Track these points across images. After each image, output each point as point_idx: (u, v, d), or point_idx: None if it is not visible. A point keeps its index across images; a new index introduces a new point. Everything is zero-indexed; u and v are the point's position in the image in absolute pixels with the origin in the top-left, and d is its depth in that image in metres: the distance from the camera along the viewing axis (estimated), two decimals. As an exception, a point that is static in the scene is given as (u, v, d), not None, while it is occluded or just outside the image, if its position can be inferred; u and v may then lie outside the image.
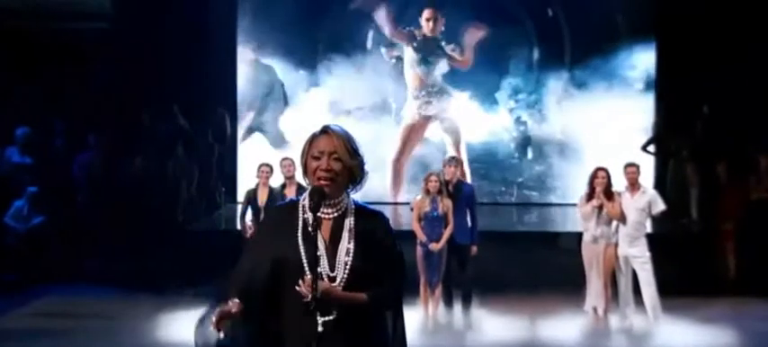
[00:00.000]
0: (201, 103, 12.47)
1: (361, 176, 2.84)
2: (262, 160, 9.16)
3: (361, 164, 2.82)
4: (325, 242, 2.76)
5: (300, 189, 7.81)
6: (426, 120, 12.48)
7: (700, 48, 11.46)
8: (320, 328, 2.71)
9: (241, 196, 10.02)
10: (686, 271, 9.73)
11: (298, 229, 2.78)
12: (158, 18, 11.58)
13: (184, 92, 11.99)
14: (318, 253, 2.73)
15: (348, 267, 2.74)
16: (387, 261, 2.84)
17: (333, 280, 2.73)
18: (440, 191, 8.19)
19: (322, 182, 2.75)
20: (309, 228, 2.74)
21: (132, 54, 11.42)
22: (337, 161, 2.76)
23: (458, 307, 8.60)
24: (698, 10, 11.50)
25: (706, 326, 8.25)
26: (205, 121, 12.69)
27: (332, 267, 2.74)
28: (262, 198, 8.62)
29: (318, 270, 2.71)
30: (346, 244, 2.76)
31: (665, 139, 12.28)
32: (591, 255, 8.34)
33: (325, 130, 2.82)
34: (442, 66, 12.42)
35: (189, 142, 12.33)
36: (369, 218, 2.85)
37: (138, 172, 11.83)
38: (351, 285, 2.74)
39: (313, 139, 2.82)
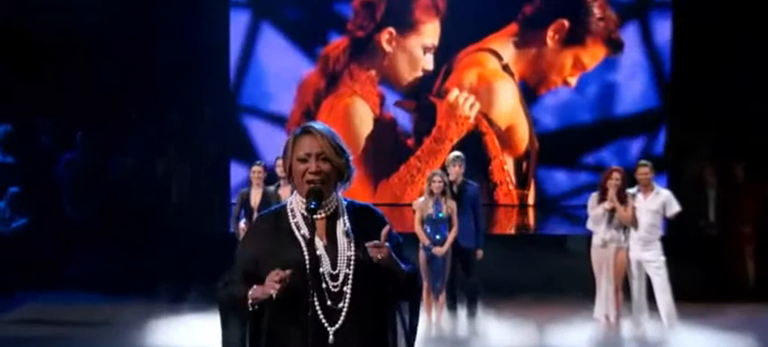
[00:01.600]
0: (194, 99, 12.38)
1: (349, 173, 2.86)
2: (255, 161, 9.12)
3: (348, 161, 2.85)
4: (322, 242, 2.78)
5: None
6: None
7: (718, 40, 11.38)
8: (331, 338, 2.73)
9: (234, 197, 9.97)
10: (703, 275, 9.70)
11: (292, 233, 2.79)
12: (148, 9, 11.51)
13: (176, 86, 11.90)
14: (318, 253, 2.75)
15: (352, 261, 2.75)
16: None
17: (335, 277, 2.74)
18: (444, 192, 8.12)
19: (313, 186, 2.77)
20: (303, 231, 2.77)
21: (121, 47, 11.33)
22: (326, 161, 2.79)
23: (462, 314, 8.54)
24: (716, 4, 11.44)
25: (724, 334, 8.19)
26: (197, 118, 12.61)
27: (334, 265, 2.76)
28: (255, 199, 8.57)
29: (320, 270, 2.74)
30: (344, 240, 2.78)
31: (680, 137, 12.22)
32: (601, 260, 8.26)
33: (309, 130, 2.83)
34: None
35: (181, 140, 12.27)
36: (361, 213, 2.88)
37: (127, 171, 11.78)
38: (356, 280, 2.75)
39: (296, 140, 2.83)
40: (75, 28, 11.08)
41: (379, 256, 2.72)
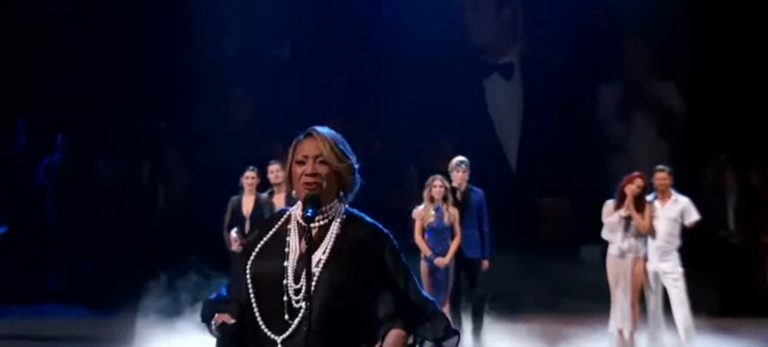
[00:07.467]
0: (182, 99, 12.40)
1: (353, 181, 2.87)
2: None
3: (352, 167, 2.86)
4: (300, 253, 2.77)
5: (290, 197, 7.81)
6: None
7: (737, 44, 11.40)
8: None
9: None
10: (723, 288, 9.70)
11: (283, 242, 2.82)
12: (135, 8, 11.52)
13: (163, 86, 11.93)
14: (284, 264, 2.76)
15: (315, 278, 2.73)
16: (386, 280, 2.81)
17: (297, 292, 2.74)
18: (445, 199, 8.14)
19: (308, 188, 2.79)
20: (289, 239, 2.80)
21: (105, 42, 11.33)
22: (323, 164, 2.81)
23: (467, 329, 8.56)
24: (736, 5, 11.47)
25: (745, 351, 8.24)
26: (186, 119, 12.62)
27: (297, 279, 2.75)
28: (247, 207, 8.64)
29: (284, 282, 2.74)
30: (320, 254, 2.77)
31: (699, 142, 12.22)
32: (617, 270, 8.22)
33: (310, 133, 2.86)
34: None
35: (168, 144, 12.30)
36: (360, 228, 2.86)
37: (111, 177, 11.81)
38: (319, 296, 2.72)
39: (297, 144, 2.87)
40: (53, 19, 11.09)
41: None
